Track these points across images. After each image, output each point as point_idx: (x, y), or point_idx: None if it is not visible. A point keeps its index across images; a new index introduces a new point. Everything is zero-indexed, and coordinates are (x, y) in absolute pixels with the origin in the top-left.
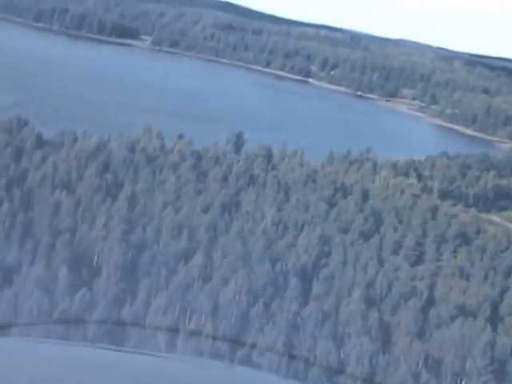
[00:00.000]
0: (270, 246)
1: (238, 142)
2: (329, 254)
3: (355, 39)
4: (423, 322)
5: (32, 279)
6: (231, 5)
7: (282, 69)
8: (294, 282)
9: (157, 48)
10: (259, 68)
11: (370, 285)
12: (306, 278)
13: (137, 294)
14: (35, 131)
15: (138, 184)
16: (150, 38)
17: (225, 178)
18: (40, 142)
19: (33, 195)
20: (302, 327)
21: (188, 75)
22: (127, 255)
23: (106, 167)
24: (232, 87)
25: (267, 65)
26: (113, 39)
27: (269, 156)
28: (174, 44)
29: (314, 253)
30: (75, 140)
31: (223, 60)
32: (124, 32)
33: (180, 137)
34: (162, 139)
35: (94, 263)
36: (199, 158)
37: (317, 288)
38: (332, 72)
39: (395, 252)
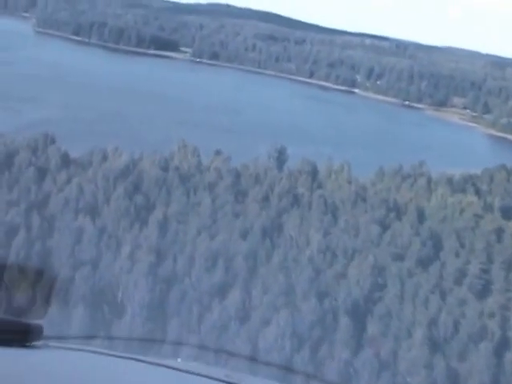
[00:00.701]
0: (316, 277)
1: (281, 158)
2: (384, 286)
3: (401, 47)
4: (498, 370)
5: (45, 320)
6: (272, 15)
7: (326, 79)
8: (344, 321)
9: (197, 60)
10: (302, 79)
11: (432, 324)
12: (359, 316)
13: (165, 336)
14: (62, 149)
15: (170, 207)
16: (189, 50)
17: (266, 199)
18: (66, 161)
19: (53, 221)
20: (356, 378)
21: (228, 87)
22: (155, 290)
23: (135, 188)
24: (274, 99)
25: (311, 75)
26: (152, 51)
27: (314, 172)
28: (215, 56)
29: (366, 285)
30: (104, 158)
31: (265, 71)
32: (163, 44)
33: (217, 153)
34: (198, 156)
35: (118, 300)
36: (238, 176)
37: (372, 328)
38: (378, 82)
39: (458, 282)
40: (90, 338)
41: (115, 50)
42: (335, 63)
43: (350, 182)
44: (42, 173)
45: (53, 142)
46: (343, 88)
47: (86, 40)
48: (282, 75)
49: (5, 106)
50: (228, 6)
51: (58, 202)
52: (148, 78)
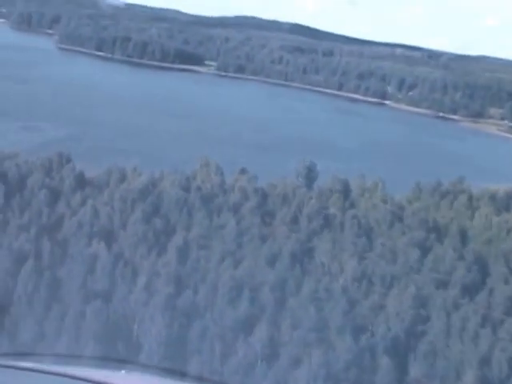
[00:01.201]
0: (351, 309)
1: (310, 175)
2: (427, 318)
3: (433, 57)
4: None
5: (55, 357)
6: (299, 26)
7: (356, 91)
8: (384, 361)
9: (222, 74)
10: (331, 91)
11: (484, 363)
12: (400, 354)
13: (185, 377)
14: (77, 169)
15: (192, 230)
16: (214, 64)
17: (295, 220)
18: (81, 182)
19: (65, 248)
20: None
21: (255, 101)
22: (174, 325)
23: (154, 210)
24: (302, 112)
25: (340, 87)
26: (176, 66)
27: (346, 191)
28: (240, 69)
29: (407, 317)
30: (122, 178)
31: (293, 84)
32: (188, 58)
33: (242, 171)
34: (222, 175)
35: (133, 336)
36: (264, 196)
37: (415, 369)
38: (410, 93)
39: (509, 312)
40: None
41: (139, 65)
42: (365, 74)
43: (385, 201)
44: (55, 195)
45: (68, 161)
46: (374, 100)
47: (110, 55)
48: (310, 87)
49: (24, 124)
50: (254, 18)
51: (71, 226)
52: (172, 92)
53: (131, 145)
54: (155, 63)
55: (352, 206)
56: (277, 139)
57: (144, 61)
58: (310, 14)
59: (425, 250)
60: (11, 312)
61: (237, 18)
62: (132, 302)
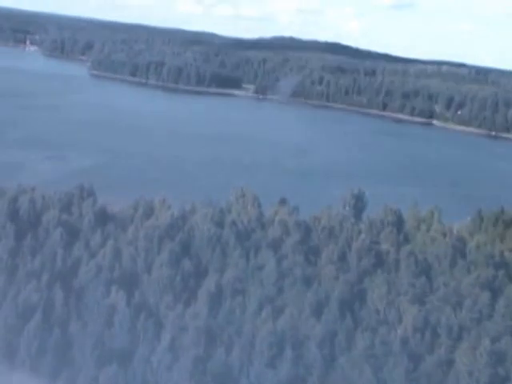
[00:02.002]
0: (414, 367)
1: (359, 205)
2: (506, 379)
3: (482, 74)
4: None
5: None
6: (340, 46)
7: (401, 111)
8: None
9: (260, 97)
10: (375, 112)
11: None
12: None
13: None
14: (99, 203)
15: (226, 273)
16: (252, 87)
17: (343, 258)
18: (103, 218)
19: (79, 298)
20: None
21: (294, 124)
22: None
23: (184, 250)
24: (344, 135)
25: (384, 108)
26: (213, 90)
27: (399, 222)
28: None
29: (483, 377)
30: (150, 212)
31: (334, 105)
32: (224, 81)
33: (282, 202)
34: (259, 206)
35: None
36: (307, 230)
37: None
38: (459, 111)
39: None
40: None
41: (174, 90)
42: (410, 93)
43: (443, 233)
44: (72, 234)
45: (90, 194)
46: (420, 120)
47: (144, 81)
48: (353, 109)
49: (50, 154)
50: (292, 38)
51: (87, 271)
52: (208, 118)
53: (162, 174)
54: (190, 88)
55: (407, 240)
56: (318, 164)
57: (179, 85)
58: (351, 33)
59: (494, 292)
60: (13, 381)
61: (274, 39)
62: (154, 364)
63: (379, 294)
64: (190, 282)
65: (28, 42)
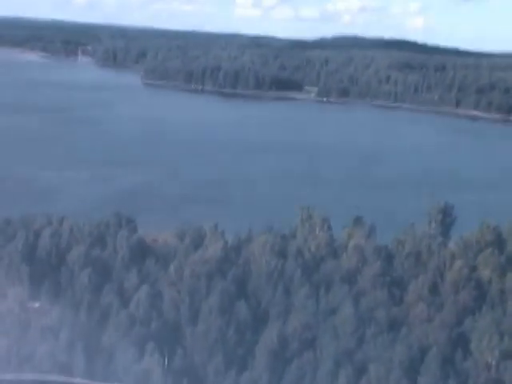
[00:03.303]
0: None
1: (446, 221)
2: None
3: None
4: None
5: None
6: (406, 42)
7: (476, 107)
8: None
9: (324, 99)
10: (448, 109)
11: None
12: None
13: None
14: (138, 235)
15: (290, 320)
16: (315, 89)
17: (435, 292)
18: (141, 253)
19: (105, 362)
20: None
21: (362, 127)
22: None
23: (238, 291)
24: (417, 137)
25: (457, 104)
26: (273, 93)
27: (499, 242)
28: (344, 92)
29: None
30: (198, 242)
31: (403, 105)
32: (285, 84)
33: (357, 221)
34: (329, 229)
35: None
36: (389, 257)
37: None
38: None
39: None
40: None
41: (232, 96)
42: (485, 88)
43: None
44: (102, 275)
45: (129, 222)
46: (497, 116)
47: (199, 87)
48: (424, 108)
49: (95, 172)
50: (356, 37)
51: (118, 324)
52: (267, 124)
53: (218, 191)
54: (249, 92)
55: (510, 263)
56: (392, 173)
57: (237, 90)
58: (416, 29)
59: None
60: None
61: (336, 38)
62: None
63: (487, 341)
64: (246, 335)
65: (80, 53)
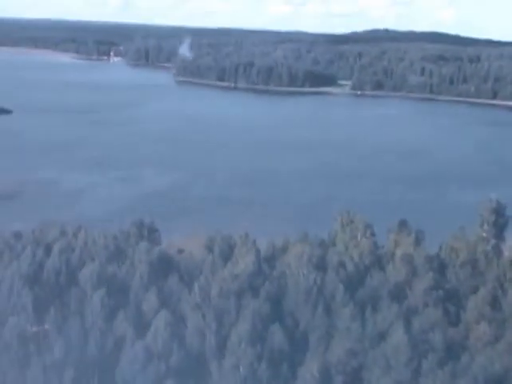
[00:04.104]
0: None
1: (499, 222)
2: None
3: None
4: None
5: None
6: (438, 34)
7: None
8: None
9: (358, 93)
10: (484, 101)
11: None
12: None
13: None
14: (160, 248)
15: (332, 346)
16: (348, 83)
17: (497, 309)
18: (162, 269)
19: None
20: None
21: (399, 121)
22: None
23: (271, 310)
24: (457, 129)
25: (494, 96)
26: (306, 89)
27: None
28: (378, 86)
29: None
30: (227, 253)
31: (439, 97)
32: (319, 79)
33: (402, 225)
34: (373, 236)
35: None
36: (442, 268)
37: None
38: None
39: None
40: None
41: (265, 92)
42: None
43: None
44: (118, 297)
45: (151, 232)
46: None
47: (232, 84)
48: (459, 99)
49: (123, 173)
50: (387, 30)
51: (133, 356)
52: (302, 120)
53: (250, 192)
54: (282, 88)
55: None
56: (434, 167)
57: (270, 87)
58: (446, 22)
59: None
60: None
61: (368, 32)
62: None
63: None
64: (282, 368)
65: (112, 54)
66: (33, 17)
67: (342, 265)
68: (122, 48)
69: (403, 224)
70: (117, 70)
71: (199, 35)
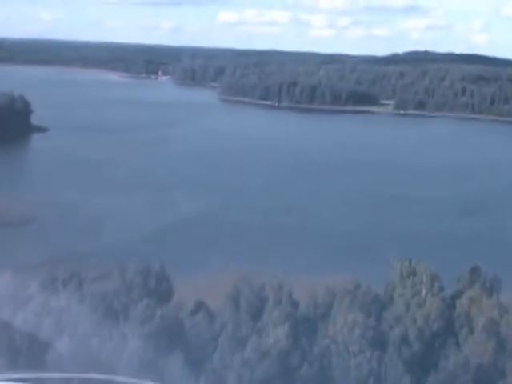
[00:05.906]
0: None
1: None
2: None
3: None
4: None
5: None
6: (476, 56)
7: None
8: None
9: (401, 112)
10: None
11: None
12: None
13: None
14: (168, 309)
15: None
16: (391, 102)
17: None
18: (167, 337)
19: None
20: None
21: (442, 141)
22: None
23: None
24: (496, 151)
25: None
26: (349, 108)
27: None
28: (420, 105)
29: None
30: (259, 305)
31: (480, 116)
32: (361, 98)
33: (474, 274)
34: (442, 290)
35: None
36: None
37: None
38: None
39: None
40: None
41: (308, 111)
42: None
43: None
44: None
45: (160, 280)
46: None
47: (275, 103)
48: (501, 118)
49: (152, 197)
50: (427, 52)
51: None
52: (345, 139)
53: (288, 218)
54: (326, 107)
55: None
56: (486, 193)
57: (313, 105)
58: (482, 45)
59: None
60: None
61: (408, 53)
62: None
63: None
64: None
65: (160, 73)
66: (85, 39)
67: (400, 323)
68: (170, 67)
69: (475, 272)
70: (163, 88)
71: (244, 55)
